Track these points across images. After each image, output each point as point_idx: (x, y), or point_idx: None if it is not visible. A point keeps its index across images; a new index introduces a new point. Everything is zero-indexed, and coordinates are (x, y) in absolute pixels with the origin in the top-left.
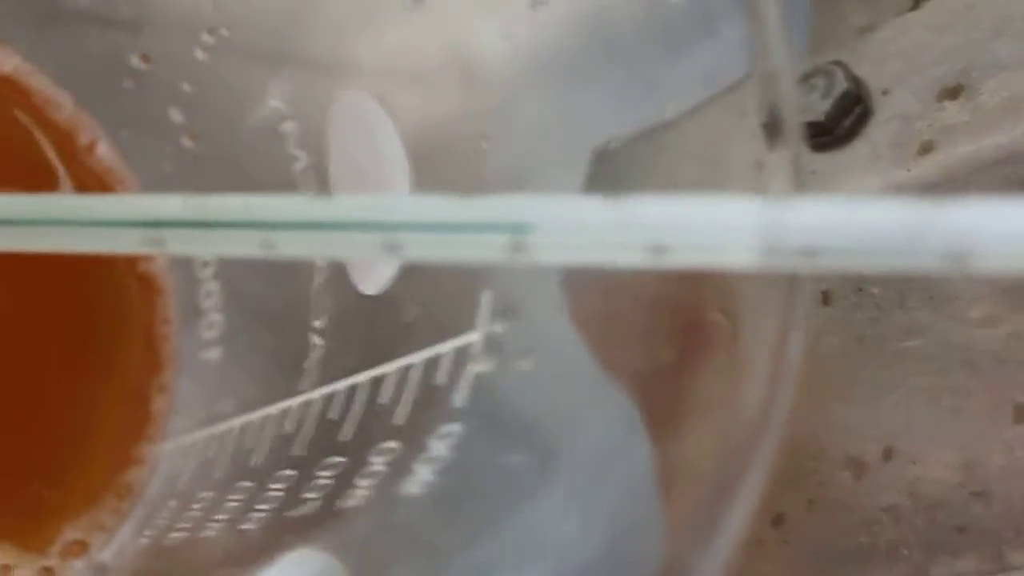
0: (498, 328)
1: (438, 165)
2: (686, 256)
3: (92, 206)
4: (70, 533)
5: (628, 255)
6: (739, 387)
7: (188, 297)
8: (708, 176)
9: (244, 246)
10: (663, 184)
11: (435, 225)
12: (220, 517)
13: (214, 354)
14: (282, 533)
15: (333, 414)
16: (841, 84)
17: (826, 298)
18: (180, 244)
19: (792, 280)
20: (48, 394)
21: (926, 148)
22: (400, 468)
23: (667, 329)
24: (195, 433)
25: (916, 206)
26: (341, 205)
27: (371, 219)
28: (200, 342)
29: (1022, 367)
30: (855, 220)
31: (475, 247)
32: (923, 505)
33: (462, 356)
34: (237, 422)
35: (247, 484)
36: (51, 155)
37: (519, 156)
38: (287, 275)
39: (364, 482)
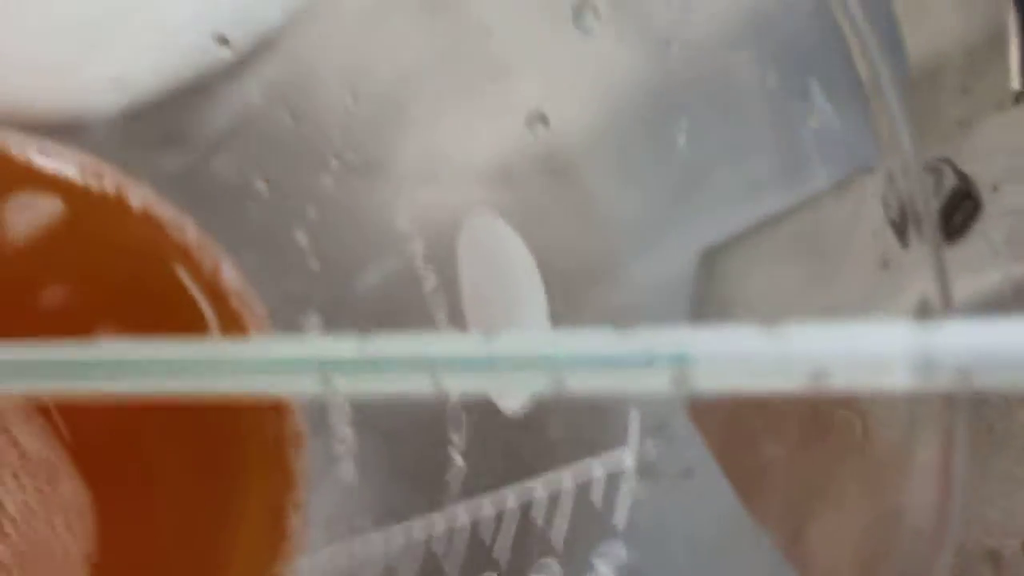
0: (649, 446)
1: (549, 264)
2: (845, 380)
3: (264, 350)
4: None
5: (788, 382)
6: (883, 488)
7: (318, 415)
8: (824, 274)
9: (415, 385)
10: (776, 283)
11: (598, 360)
12: None
13: (347, 470)
14: None
15: (484, 534)
16: (950, 180)
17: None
18: (351, 385)
19: (951, 404)
20: (189, 516)
21: None
22: None
23: (790, 425)
24: (332, 548)
25: None
26: (506, 343)
27: (536, 356)
28: (332, 458)
29: None
30: (1010, 338)
31: (638, 380)
32: None
33: (616, 473)
34: (377, 543)
35: None
36: (179, 278)
37: (625, 252)
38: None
39: None
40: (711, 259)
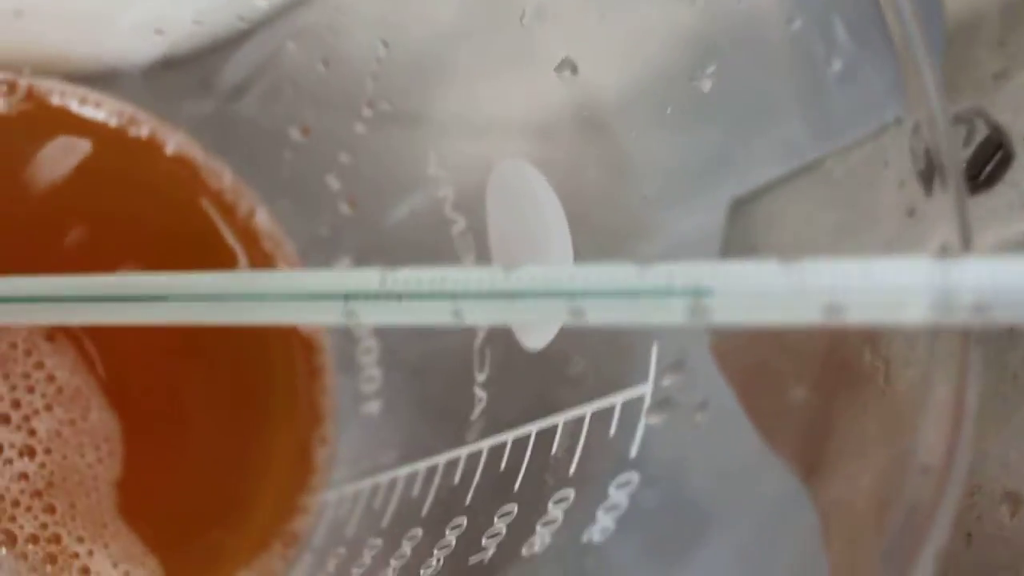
0: (667, 381)
1: (585, 222)
2: (861, 315)
3: (291, 281)
4: None
5: (804, 315)
6: (901, 429)
7: (347, 353)
8: (851, 223)
9: (436, 316)
10: (803, 232)
11: (618, 292)
12: (394, 563)
13: (374, 407)
14: None
15: (503, 465)
16: (982, 131)
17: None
18: (374, 315)
19: (966, 343)
20: (217, 447)
21: None
22: (581, 516)
23: (813, 369)
24: (358, 483)
25: None
26: (527, 275)
27: (556, 288)
28: (360, 396)
29: None
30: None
31: (656, 311)
32: None
33: (634, 409)
34: (402, 472)
35: (418, 532)
36: (213, 222)
37: (656, 204)
38: (445, 330)
39: (544, 529)
40: (740, 209)
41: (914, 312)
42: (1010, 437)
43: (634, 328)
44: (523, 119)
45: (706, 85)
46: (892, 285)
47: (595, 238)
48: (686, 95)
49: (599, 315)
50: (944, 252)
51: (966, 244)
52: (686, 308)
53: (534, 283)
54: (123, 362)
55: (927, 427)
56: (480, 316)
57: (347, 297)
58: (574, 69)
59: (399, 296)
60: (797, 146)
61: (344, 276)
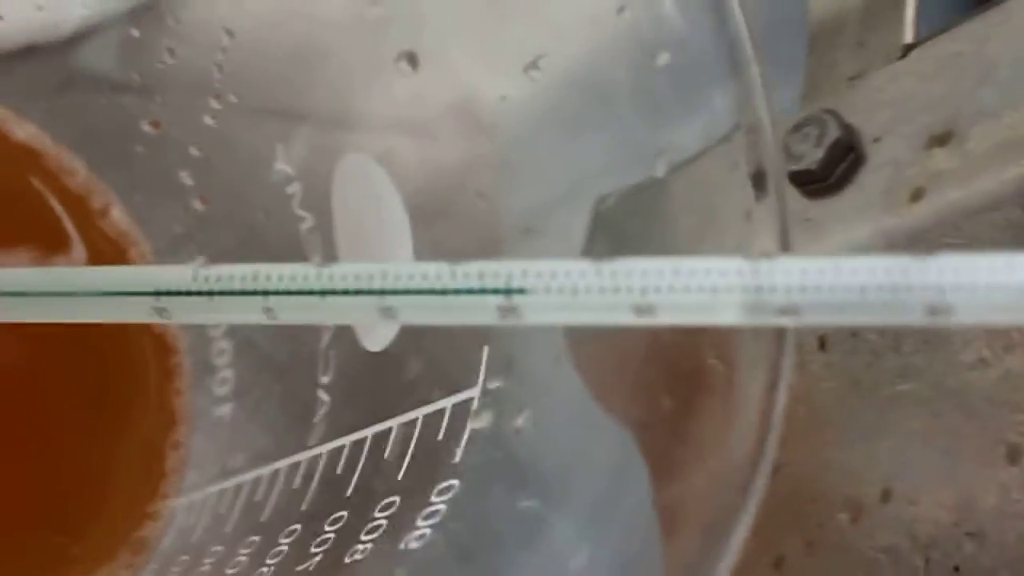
0: (496, 384)
1: (445, 218)
2: (672, 316)
3: (100, 277)
4: None
5: (615, 316)
6: (732, 431)
7: (201, 355)
8: (703, 225)
9: (248, 314)
10: (661, 234)
11: (429, 290)
12: (230, 572)
13: (226, 410)
14: None
15: (339, 469)
16: (833, 133)
17: (822, 343)
18: (186, 313)
19: (780, 331)
20: (65, 451)
21: (917, 195)
22: (402, 522)
23: (667, 377)
24: (208, 488)
25: (896, 263)
26: (338, 273)
27: (366, 286)
28: (213, 398)
29: (1014, 409)
30: (836, 278)
31: (467, 310)
32: (920, 545)
33: (462, 412)
34: (248, 476)
35: (256, 539)
36: (65, 220)
37: (524, 209)
38: (296, 333)
39: (368, 537)
40: (603, 212)
41: (724, 314)
42: (851, 444)
43: (466, 330)
44: (376, 108)
45: (539, 74)
46: (703, 286)
47: (454, 234)
48: (528, 80)
49: (411, 314)
50: (761, 254)
51: (784, 247)
52: (497, 307)
53: (346, 281)
54: None
55: (746, 429)
56: (292, 315)
57: (157, 294)
58: (414, 62)
59: (211, 293)
60: (653, 153)
61: (155, 272)
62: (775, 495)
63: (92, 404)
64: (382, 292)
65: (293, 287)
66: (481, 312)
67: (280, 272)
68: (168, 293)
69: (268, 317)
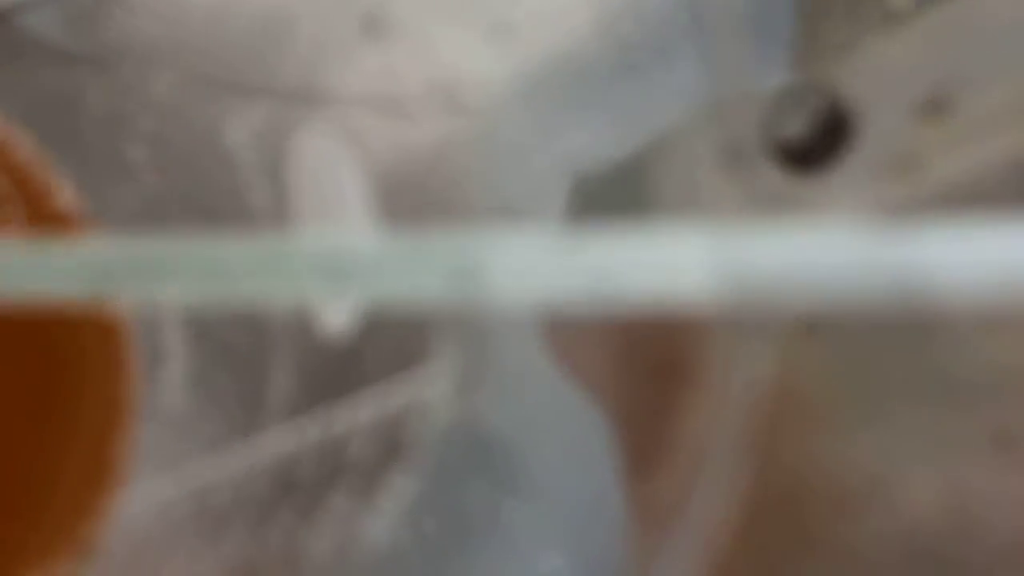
0: (455, 361)
1: (418, 199)
2: (636, 297)
3: (41, 253)
4: None
5: (577, 295)
6: (710, 422)
7: (151, 341)
8: (680, 200)
9: (196, 290)
10: (639, 210)
11: (384, 266)
12: (179, 561)
13: (177, 399)
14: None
15: (294, 454)
16: (820, 104)
17: (810, 328)
18: (133, 290)
19: (761, 316)
20: (10, 441)
21: (907, 168)
22: (361, 505)
23: (639, 364)
24: (156, 478)
25: (875, 236)
26: (292, 248)
27: (322, 262)
28: (162, 386)
29: (998, 394)
30: (812, 255)
31: (424, 288)
32: (905, 530)
33: (419, 389)
34: (198, 465)
35: (207, 527)
36: (11, 194)
37: (500, 188)
38: (252, 320)
39: (327, 520)
40: (581, 188)
41: (694, 290)
42: (837, 432)
43: (429, 314)
44: (354, 92)
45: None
46: (667, 264)
47: (429, 209)
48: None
49: (367, 291)
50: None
51: (762, 222)
52: (456, 285)
53: (299, 256)
54: None
55: (728, 419)
56: (245, 290)
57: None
58: (384, 34)
59: (160, 270)
60: (630, 126)
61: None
62: (760, 488)
63: (34, 394)
64: (337, 268)
65: (244, 263)
66: (439, 290)
67: (228, 248)
68: (113, 270)
69: (219, 293)
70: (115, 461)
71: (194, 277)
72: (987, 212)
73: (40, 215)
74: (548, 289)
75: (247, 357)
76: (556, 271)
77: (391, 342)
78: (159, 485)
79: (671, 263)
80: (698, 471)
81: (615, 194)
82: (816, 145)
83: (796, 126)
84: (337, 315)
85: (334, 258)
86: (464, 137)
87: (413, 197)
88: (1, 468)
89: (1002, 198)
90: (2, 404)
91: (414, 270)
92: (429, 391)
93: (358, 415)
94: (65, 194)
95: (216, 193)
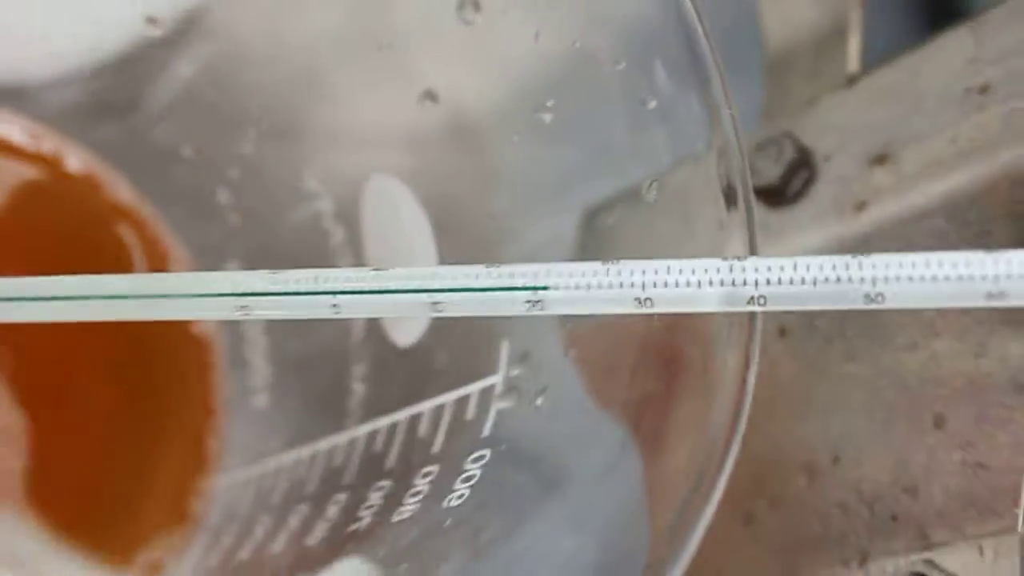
0: (515, 371)
1: (448, 228)
2: (665, 306)
3: (193, 281)
4: (145, 555)
5: (621, 306)
6: (710, 410)
7: (236, 350)
8: (680, 232)
9: (317, 310)
10: (644, 239)
11: (469, 288)
12: (282, 537)
13: (262, 400)
14: (341, 544)
15: (378, 448)
16: (790, 152)
17: (782, 332)
18: (264, 310)
19: (750, 321)
20: (117, 439)
21: (860, 207)
22: (442, 486)
23: (653, 365)
24: (249, 468)
25: (839, 262)
26: (394, 275)
27: (418, 286)
28: (249, 390)
29: (939, 384)
30: (794, 274)
31: (501, 304)
32: (864, 499)
33: (487, 395)
34: (288, 458)
35: (304, 508)
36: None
37: (514, 217)
38: (326, 330)
39: (411, 500)
40: (591, 219)
41: (706, 305)
42: (807, 417)
43: (487, 324)
44: (396, 136)
45: (550, 114)
46: (690, 281)
47: (462, 242)
48: (537, 120)
49: (454, 308)
50: (734, 256)
51: (753, 250)
52: (525, 301)
53: (400, 281)
54: (29, 360)
55: (722, 407)
56: (356, 310)
57: (240, 295)
58: (433, 97)
59: (285, 293)
60: (632, 166)
61: (238, 276)
62: (743, 462)
63: (140, 398)
64: (431, 290)
65: (355, 287)
66: (512, 305)
67: (345, 275)
68: (250, 294)
69: (335, 312)
70: (209, 451)
71: (315, 301)
72: (923, 243)
73: (141, 244)
74: (597, 303)
75: (328, 367)
76: (604, 290)
77: (459, 353)
78: (251, 473)
79: (691, 281)
80: (699, 448)
81: (623, 226)
82: (787, 186)
83: (772, 171)
84: (409, 328)
85: (428, 284)
86: (480, 171)
87: (442, 225)
88: (116, 458)
89: (937, 232)
90: (117, 406)
91: (493, 290)
92: (494, 391)
93: (431, 414)
94: (159, 230)
95: (294, 236)
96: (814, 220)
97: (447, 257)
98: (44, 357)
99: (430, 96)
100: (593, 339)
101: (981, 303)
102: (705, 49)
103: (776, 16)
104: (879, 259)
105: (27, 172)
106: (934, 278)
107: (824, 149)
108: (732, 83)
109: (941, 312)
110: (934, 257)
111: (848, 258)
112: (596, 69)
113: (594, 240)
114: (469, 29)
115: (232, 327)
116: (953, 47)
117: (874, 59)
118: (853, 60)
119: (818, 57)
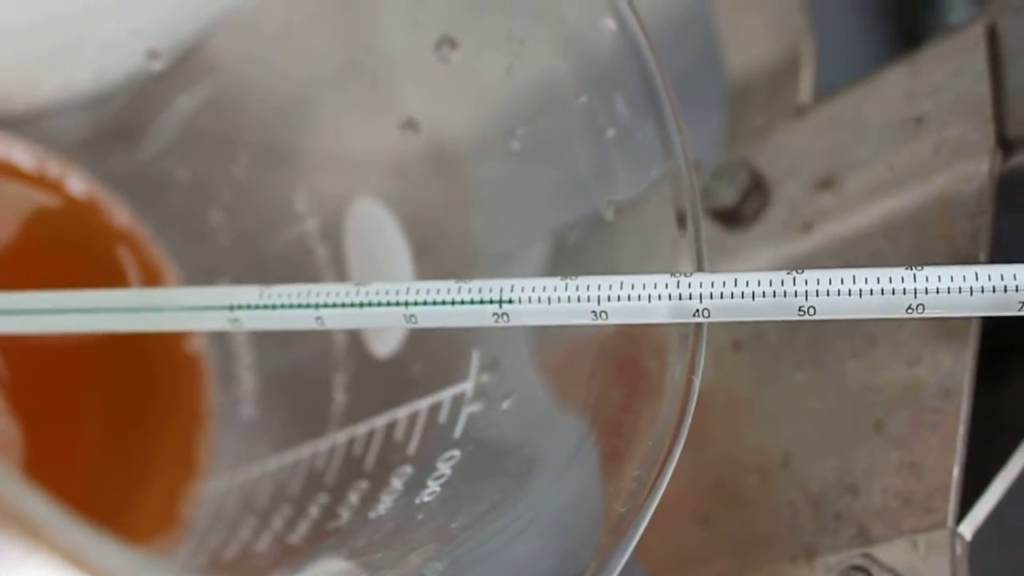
0: (484, 378)
1: (428, 249)
2: (619, 318)
3: (187, 296)
4: None
5: (579, 318)
6: (661, 410)
7: (225, 364)
8: (641, 251)
9: (303, 322)
10: (607, 257)
11: (441, 302)
12: (266, 536)
13: (249, 410)
14: (322, 540)
15: (357, 451)
16: (745, 178)
17: (737, 345)
18: (254, 323)
19: (697, 332)
20: (110, 447)
21: (807, 228)
22: (415, 485)
23: (610, 371)
24: (235, 473)
25: (775, 277)
26: (373, 290)
27: (395, 299)
28: (236, 400)
29: (878, 391)
30: (735, 288)
31: (470, 316)
32: (811, 499)
33: (458, 401)
34: (272, 463)
35: (287, 509)
36: (114, 250)
37: (490, 238)
38: (310, 344)
39: (387, 497)
40: (560, 238)
41: (657, 315)
42: (759, 423)
43: (459, 334)
44: (378, 161)
45: (520, 142)
46: (641, 295)
47: (439, 259)
48: (509, 147)
49: (428, 319)
50: (681, 272)
51: (700, 267)
52: (492, 313)
53: (378, 295)
54: (26, 372)
55: (671, 408)
56: (338, 322)
57: (232, 308)
58: (414, 127)
59: (274, 307)
60: (595, 189)
61: (229, 291)
62: (701, 465)
63: (132, 409)
64: (407, 303)
65: (338, 301)
66: (480, 317)
67: (328, 289)
68: (241, 307)
69: (319, 324)
70: (198, 459)
71: (300, 314)
72: (863, 261)
73: (137, 262)
74: (558, 315)
75: (311, 377)
76: (563, 303)
77: (433, 362)
78: (236, 478)
79: (643, 295)
80: (651, 445)
81: (589, 247)
82: (742, 209)
83: (729, 195)
84: (387, 340)
85: (403, 298)
86: (456, 196)
87: (421, 246)
88: (111, 465)
89: (876, 251)
90: (112, 416)
91: (462, 304)
92: (464, 397)
93: (407, 419)
94: (155, 250)
95: (281, 250)
96: (766, 240)
97: (425, 273)
98: (41, 369)
99: (411, 125)
100: (558, 350)
101: (903, 315)
102: (659, 83)
103: (736, 51)
104: (811, 275)
105: (33, 195)
106: (860, 292)
107: (776, 174)
108: (695, 114)
109: (879, 324)
110: (860, 273)
111: (783, 274)
112: (562, 101)
113: (562, 257)
114: (447, 65)
115: (221, 343)
116: (893, 81)
117: (826, 90)
118: (805, 92)
119: (773, 89)
